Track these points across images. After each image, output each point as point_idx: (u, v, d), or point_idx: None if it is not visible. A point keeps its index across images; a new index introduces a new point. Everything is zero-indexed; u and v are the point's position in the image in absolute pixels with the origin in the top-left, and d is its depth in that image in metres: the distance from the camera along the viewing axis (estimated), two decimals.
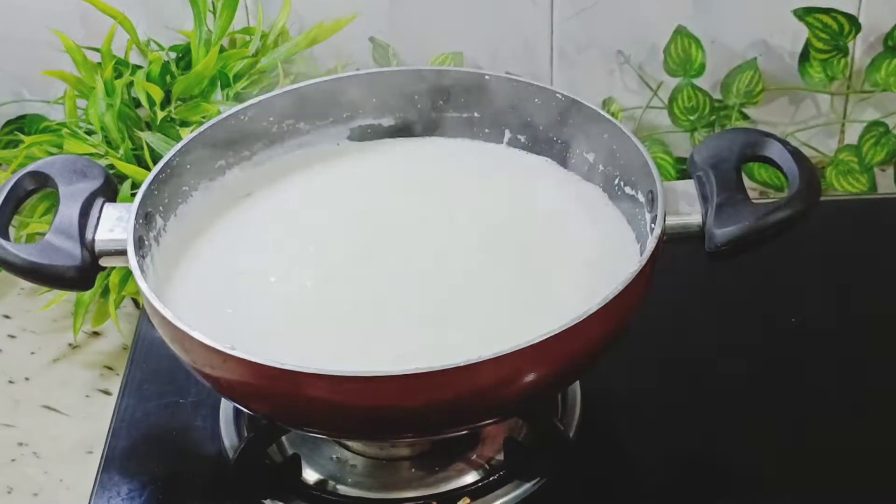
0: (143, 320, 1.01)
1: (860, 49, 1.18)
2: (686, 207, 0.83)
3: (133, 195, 0.99)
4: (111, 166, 1.04)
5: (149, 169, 1.04)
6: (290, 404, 0.73)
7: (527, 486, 0.84)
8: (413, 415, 0.72)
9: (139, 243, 0.80)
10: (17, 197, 0.83)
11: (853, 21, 1.13)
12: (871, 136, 1.17)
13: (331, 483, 0.85)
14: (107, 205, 0.83)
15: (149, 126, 1.10)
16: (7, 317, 1.08)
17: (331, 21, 1.16)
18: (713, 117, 1.17)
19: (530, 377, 0.72)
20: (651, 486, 0.86)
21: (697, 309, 1.02)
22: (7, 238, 0.80)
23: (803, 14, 1.13)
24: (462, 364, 0.69)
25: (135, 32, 1.13)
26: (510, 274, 0.83)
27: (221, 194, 0.91)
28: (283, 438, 0.87)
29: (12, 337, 1.06)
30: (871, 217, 1.14)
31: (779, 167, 0.84)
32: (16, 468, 0.93)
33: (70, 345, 1.04)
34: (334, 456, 0.87)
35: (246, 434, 0.88)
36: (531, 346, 0.70)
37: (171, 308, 0.75)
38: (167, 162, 0.85)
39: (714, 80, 1.19)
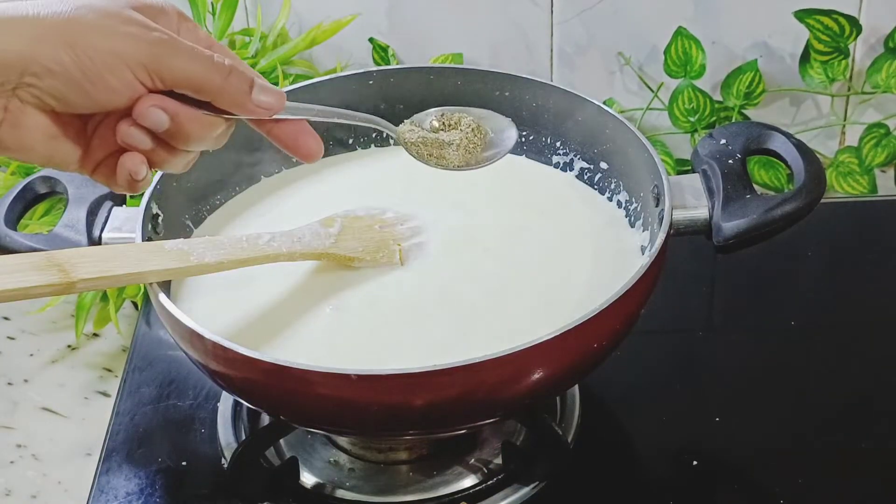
0: (142, 322, 1.01)
1: (861, 51, 1.18)
2: (692, 201, 0.83)
3: (133, 198, 0.99)
4: None
5: None
6: (297, 401, 0.73)
7: (525, 489, 0.84)
8: (417, 413, 0.72)
9: (147, 241, 0.80)
10: (27, 198, 0.85)
11: (854, 23, 1.13)
12: (871, 138, 1.17)
13: (328, 486, 0.85)
14: (115, 208, 0.84)
15: None
16: (6, 318, 1.07)
17: (330, 22, 1.15)
18: (713, 119, 1.17)
19: (538, 376, 0.72)
20: (650, 489, 0.86)
21: (697, 311, 1.02)
22: (15, 231, 0.82)
23: (804, 15, 1.13)
24: (472, 362, 0.70)
25: None
26: (518, 273, 0.83)
27: (234, 203, 0.92)
28: (281, 441, 0.87)
29: (11, 339, 1.06)
30: (872, 219, 1.14)
31: (783, 160, 0.84)
32: (14, 470, 0.93)
33: (69, 346, 1.04)
34: (332, 459, 0.87)
35: (244, 437, 0.88)
36: (540, 344, 0.70)
37: (180, 306, 0.76)
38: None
39: (714, 82, 1.19)
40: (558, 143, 0.93)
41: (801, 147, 0.84)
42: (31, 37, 0.63)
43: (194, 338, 0.73)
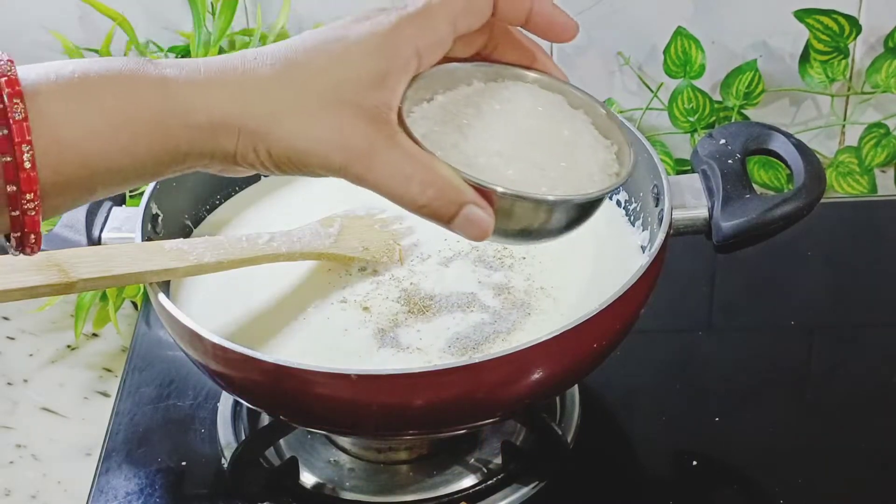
0: (141, 322, 1.01)
1: (861, 50, 1.18)
2: (692, 201, 0.83)
3: (133, 197, 0.99)
4: None
5: None
6: (296, 401, 0.73)
7: (525, 489, 0.84)
8: (417, 413, 0.72)
9: (147, 241, 0.80)
10: None
11: (853, 22, 1.13)
12: (871, 138, 1.17)
13: (328, 487, 0.85)
14: (115, 207, 0.84)
15: None
16: (6, 318, 1.07)
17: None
18: (713, 119, 1.17)
19: (537, 376, 0.72)
20: (650, 489, 0.86)
21: (697, 311, 1.02)
22: None
23: (804, 15, 1.13)
24: (472, 362, 0.70)
25: (133, 34, 1.13)
26: (517, 273, 0.83)
27: (234, 203, 0.92)
28: (281, 441, 0.87)
29: (11, 339, 1.06)
30: (872, 219, 1.14)
31: (783, 160, 0.84)
32: (14, 470, 0.93)
33: (69, 346, 1.04)
34: (332, 459, 0.87)
35: (244, 437, 0.88)
36: (539, 344, 0.70)
37: (180, 306, 0.76)
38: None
39: (714, 82, 1.19)
40: None
41: (800, 147, 0.84)
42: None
43: (194, 338, 0.73)
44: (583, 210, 0.65)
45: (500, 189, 0.61)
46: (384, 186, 0.60)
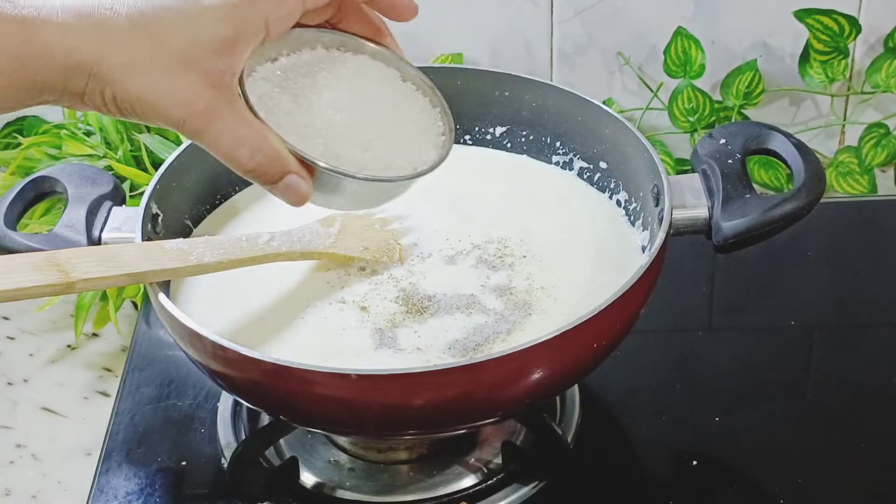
0: (141, 322, 1.01)
1: (860, 50, 1.18)
2: (692, 201, 0.83)
3: (133, 197, 0.99)
4: (109, 168, 1.04)
5: (147, 171, 1.05)
6: (297, 401, 0.73)
7: (525, 489, 0.84)
8: (417, 413, 0.72)
9: (147, 241, 0.80)
10: (27, 198, 0.85)
11: (853, 22, 1.13)
12: (871, 138, 1.17)
13: (328, 486, 0.85)
14: (115, 207, 0.84)
15: (147, 128, 1.10)
16: (6, 318, 1.07)
17: None
18: (713, 118, 1.17)
19: (537, 376, 0.72)
20: (650, 489, 0.86)
21: (697, 311, 1.02)
22: (15, 231, 0.82)
23: (804, 15, 1.13)
24: (472, 362, 0.70)
25: None
26: (517, 272, 0.83)
27: (234, 203, 0.92)
28: (281, 441, 0.87)
29: (11, 339, 1.06)
30: (872, 219, 1.14)
31: (783, 160, 0.84)
32: (14, 470, 0.93)
33: (69, 346, 1.04)
34: (332, 459, 0.87)
35: (244, 436, 0.88)
36: (539, 344, 0.70)
37: (180, 306, 0.76)
38: (170, 164, 0.85)
39: (714, 82, 1.19)
40: (558, 143, 0.93)
41: (800, 147, 0.84)
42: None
43: (194, 338, 0.73)
44: (395, 188, 0.73)
45: (320, 164, 0.69)
46: (217, 146, 0.66)
